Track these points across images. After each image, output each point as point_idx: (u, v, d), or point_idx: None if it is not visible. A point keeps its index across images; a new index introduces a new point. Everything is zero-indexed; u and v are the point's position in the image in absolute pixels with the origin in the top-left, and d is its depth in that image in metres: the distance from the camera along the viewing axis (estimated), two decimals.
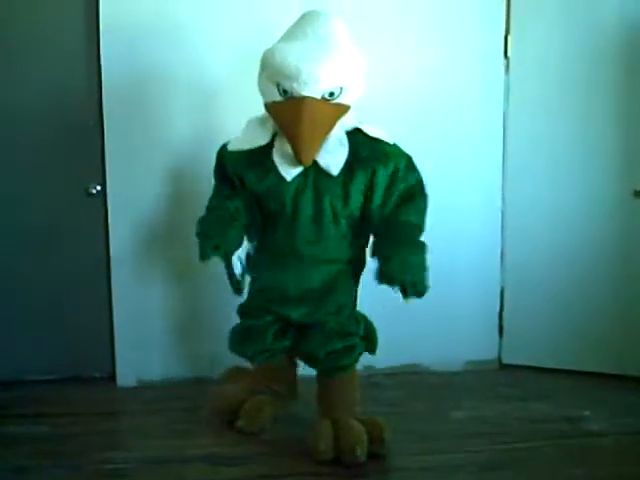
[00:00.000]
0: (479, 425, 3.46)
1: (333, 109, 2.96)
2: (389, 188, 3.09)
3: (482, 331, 4.23)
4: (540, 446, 3.22)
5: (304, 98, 2.88)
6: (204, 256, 3.13)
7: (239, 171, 3.15)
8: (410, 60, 3.97)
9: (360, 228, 3.18)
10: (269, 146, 3.08)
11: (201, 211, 3.31)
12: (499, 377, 4.14)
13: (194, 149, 3.83)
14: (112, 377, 3.97)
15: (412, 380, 4.02)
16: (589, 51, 3.93)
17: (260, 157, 3.10)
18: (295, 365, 3.45)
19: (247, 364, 3.44)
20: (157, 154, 3.81)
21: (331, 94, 2.92)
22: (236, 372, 3.56)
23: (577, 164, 4.03)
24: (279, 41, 3.02)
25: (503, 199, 4.17)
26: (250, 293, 3.31)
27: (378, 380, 3.95)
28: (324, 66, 2.86)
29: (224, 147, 3.24)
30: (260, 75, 3.02)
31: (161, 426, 3.43)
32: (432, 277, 4.06)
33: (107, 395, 3.85)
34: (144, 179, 3.83)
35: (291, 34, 3.01)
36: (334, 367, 3.17)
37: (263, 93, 3.03)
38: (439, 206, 4.00)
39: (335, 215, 3.09)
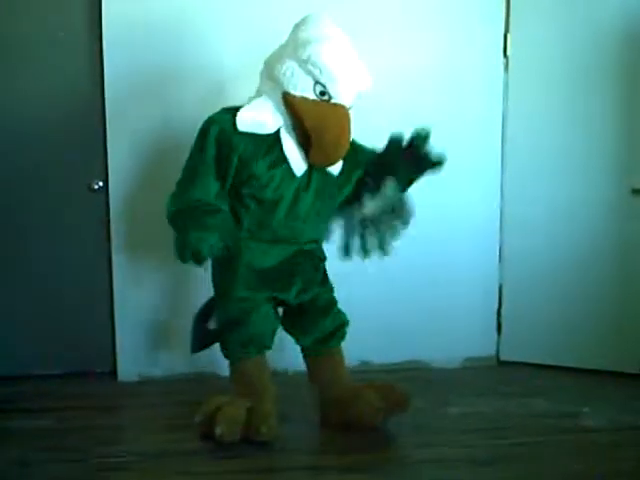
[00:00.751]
0: (477, 421, 3.48)
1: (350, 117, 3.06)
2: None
3: (480, 328, 4.26)
4: (538, 442, 3.24)
5: (348, 107, 3.00)
6: (207, 254, 3.05)
7: (247, 154, 3.03)
8: (410, 58, 3.99)
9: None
10: (277, 135, 3.06)
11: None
12: (497, 374, 4.17)
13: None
14: (113, 372, 4.00)
15: (410, 376, 4.03)
16: (588, 50, 3.96)
17: (271, 145, 3.06)
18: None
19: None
20: (159, 150, 3.83)
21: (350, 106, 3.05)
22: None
23: (575, 162, 4.06)
24: (311, 37, 2.93)
25: (502, 197, 4.20)
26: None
27: (376, 376, 3.95)
28: (364, 80, 3.00)
29: (229, 123, 3.02)
30: (288, 62, 2.92)
31: (162, 420, 3.45)
32: (431, 274, 4.12)
33: (109, 390, 3.88)
34: (146, 175, 3.85)
35: (317, 34, 2.94)
36: None
37: (289, 82, 2.93)
38: (438, 204, 4.05)
39: (326, 208, 3.23)
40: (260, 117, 3.01)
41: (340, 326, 3.37)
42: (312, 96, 2.93)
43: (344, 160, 3.13)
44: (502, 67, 4.12)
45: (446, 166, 4.05)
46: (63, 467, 2.98)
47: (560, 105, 4.05)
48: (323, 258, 3.37)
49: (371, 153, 3.32)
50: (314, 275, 3.31)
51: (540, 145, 4.11)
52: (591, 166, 4.05)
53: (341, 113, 2.96)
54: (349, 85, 2.94)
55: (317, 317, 3.32)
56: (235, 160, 3.02)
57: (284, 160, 3.06)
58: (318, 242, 3.34)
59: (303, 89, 2.93)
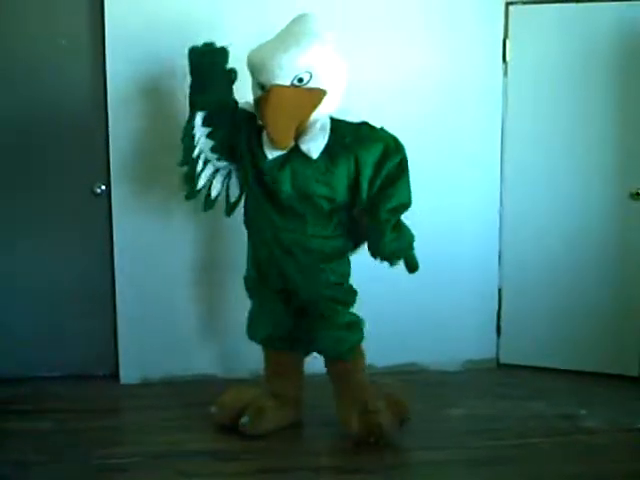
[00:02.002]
0: (477, 423, 3.51)
1: (304, 94, 3.04)
2: (375, 171, 3.14)
3: (480, 331, 4.27)
4: (537, 443, 3.27)
5: (271, 87, 3.02)
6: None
7: (239, 120, 3.26)
8: (410, 64, 4.01)
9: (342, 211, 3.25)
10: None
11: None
12: (497, 376, 4.19)
13: None
14: (115, 375, 4.01)
15: (410, 379, 4.04)
16: (586, 56, 3.98)
17: (256, 124, 3.19)
18: (301, 368, 3.48)
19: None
20: (162, 154, 3.85)
21: (300, 80, 3.02)
22: (236, 387, 3.57)
23: (574, 167, 4.08)
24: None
25: (501, 201, 4.22)
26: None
27: (376, 379, 3.97)
28: (285, 54, 2.99)
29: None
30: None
31: (163, 422, 3.48)
32: (431, 277, 4.13)
33: (110, 392, 3.90)
34: (149, 179, 3.88)
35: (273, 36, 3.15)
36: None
37: (253, 93, 3.17)
38: (438, 208, 4.08)
39: (312, 196, 3.15)
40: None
41: None
42: (258, 94, 3.11)
43: (326, 145, 3.11)
44: (501, 72, 4.14)
45: (445, 170, 4.11)
46: (64, 468, 3.01)
47: (558, 110, 4.07)
48: None
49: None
50: None
51: (539, 149, 4.13)
52: (590, 170, 4.07)
53: (266, 94, 3.04)
54: (267, 66, 3.01)
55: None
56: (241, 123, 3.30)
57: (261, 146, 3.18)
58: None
59: (255, 92, 3.15)
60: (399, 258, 3.18)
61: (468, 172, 4.14)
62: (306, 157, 3.11)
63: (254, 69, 3.09)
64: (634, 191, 3.98)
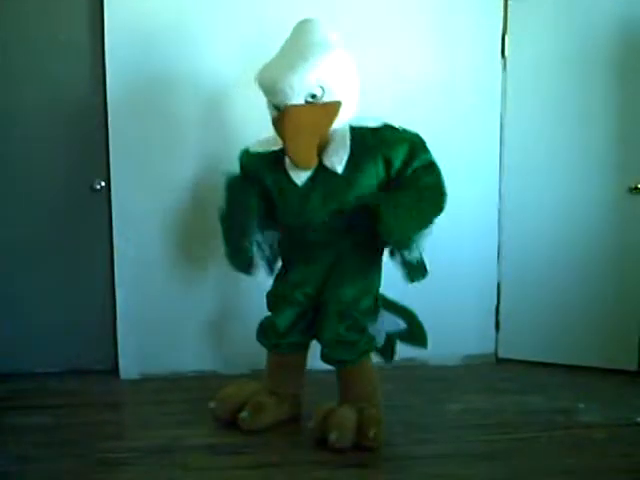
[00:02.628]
0: (475, 417, 3.52)
1: (320, 110, 3.04)
2: (404, 167, 3.15)
3: (479, 326, 4.29)
4: (534, 437, 3.28)
5: (286, 107, 2.99)
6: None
7: (260, 172, 3.28)
8: (409, 59, 4.03)
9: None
10: (282, 152, 3.15)
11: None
12: (495, 371, 4.21)
13: (198, 146, 3.89)
14: (115, 370, 4.03)
15: (409, 374, 4.08)
16: (585, 51, 4.00)
17: (275, 161, 3.20)
18: (303, 367, 3.49)
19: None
20: (161, 150, 3.87)
21: (313, 96, 3.00)
22: (236, 383, 3.56)
23: (573, 162, 4.09)
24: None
25: (500, 196, 4.23)
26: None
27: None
28: (294, 74, 2.95)
29: (246, 149, 3.37)
30: None
31: (163, 417, 3.49)
32: (430, 273, 4.14)
33: (110, 387, 3.91)
34: (148, 175, 3.89)
35: (278, 51, 3.12)
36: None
37: (270, 113, 3.16)
38: None
39: (341, 208, 3.15)
40: (265, 139, 3.29)
41: None
42: (274, 114, 3.10)
43: (349, 155, 3.10)
44: (500, 68, 4.15)
45: (444, 165, 4.11)
46: (63, 462, 3.02)
47: (557, 105, 4.08)
48: None
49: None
50: None
51: (538, 144, 4.14)
52: (588, 165, 4.08)
53: (281, 115, 3.03)
54: (278, 86, 2.98)
55: None
56: (254, 176, 3.35)
57: (286, 173, 3.18)
58: None
59: (271, 112, 3.14)
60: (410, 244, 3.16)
61: (467, 167, 4.15)
62: (332, 173, 3.10)
63: (266, 91, 3.07)
64: (633, 186, 3.99)
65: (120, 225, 3.92)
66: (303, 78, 2.95)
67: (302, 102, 2.99)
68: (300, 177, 3.13)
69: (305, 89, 2.97)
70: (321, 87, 2.99)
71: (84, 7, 3.84)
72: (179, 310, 4.01)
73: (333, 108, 3.06)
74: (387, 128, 3.16)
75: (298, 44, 3.05)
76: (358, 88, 3.15)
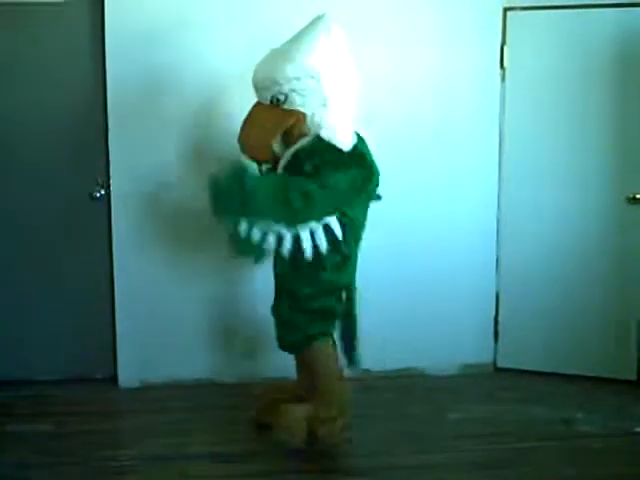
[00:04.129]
0: (474, 426, 3.53)
1: (275, 114, 3.07)
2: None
3: (478, 335, 4.29)
4: (534, 447, 3.29)
5: (256, 102, 3.14)
6: None
7: None
8: (408, 70, 4.03)
9: None
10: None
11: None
12: (494, 380, 4.20)
13: (198, 153, 3.90)
14: (114, 378, 4.02)
15: (409, 383, 4.07)
16: (583, 61, 4.01)
17: None
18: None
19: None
20: (161, 158, 3.87)
21: (277, 100, 3.05)
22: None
23: (571, 172, 4.11)
24: None
25: (499, 206, 4.24)
26: None
27: (374, 383, 4.00)
28: (266, 73, 3.06)
29: None
30: None
31: (163, 425, 3.50)
32: (429, 283, 4.16)
33: (110, 395, 3.91)
34: (147, 183, 3.89)
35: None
36: None
37: None
38: (436, 213, 4.11)
39: None
40: None
41: None
42: None
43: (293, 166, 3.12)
44: (499, 78, 4.16)
45: (443, 176, 4.13)
46: (63, 470, 3.03)
47: (556, 115, 4.09)
48: None
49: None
50: None
51: (536, 154, 4.15)
52: (587, 175, 4.09)
53: (250, 111, 3.18)
54: (254, 82, 3.12)
55: None
56: None
57: None
58: None
59: None
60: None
61: (466, 178, 4.16)
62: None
63: (253, 88, 3.20)
64: (631, 195, 4.01)
65: (119, 233, 3.90)
66: (271, 80, 3.04)
67: (268, 102, 3.09)
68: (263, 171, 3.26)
69: (272, 91, 3.05)
70: (284, 94, 3.02)
71: (84, 7, 3.85)
72: (178, 318, 4.00)
73: (287, 117, 3.06)
74: (344, 153, 3.06)
75: (291, 44, 3.10)
76: (351, 101, 3.14)
